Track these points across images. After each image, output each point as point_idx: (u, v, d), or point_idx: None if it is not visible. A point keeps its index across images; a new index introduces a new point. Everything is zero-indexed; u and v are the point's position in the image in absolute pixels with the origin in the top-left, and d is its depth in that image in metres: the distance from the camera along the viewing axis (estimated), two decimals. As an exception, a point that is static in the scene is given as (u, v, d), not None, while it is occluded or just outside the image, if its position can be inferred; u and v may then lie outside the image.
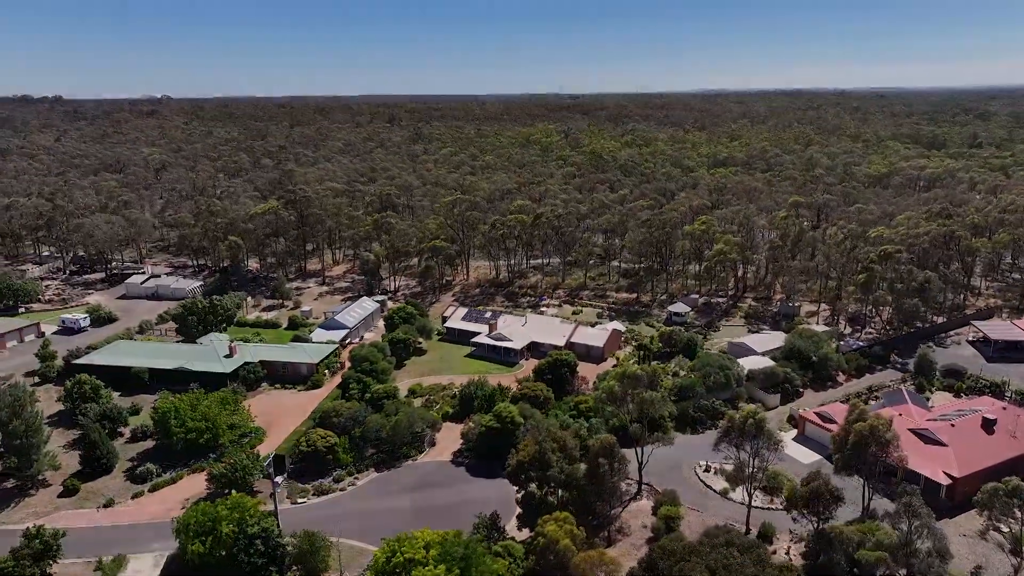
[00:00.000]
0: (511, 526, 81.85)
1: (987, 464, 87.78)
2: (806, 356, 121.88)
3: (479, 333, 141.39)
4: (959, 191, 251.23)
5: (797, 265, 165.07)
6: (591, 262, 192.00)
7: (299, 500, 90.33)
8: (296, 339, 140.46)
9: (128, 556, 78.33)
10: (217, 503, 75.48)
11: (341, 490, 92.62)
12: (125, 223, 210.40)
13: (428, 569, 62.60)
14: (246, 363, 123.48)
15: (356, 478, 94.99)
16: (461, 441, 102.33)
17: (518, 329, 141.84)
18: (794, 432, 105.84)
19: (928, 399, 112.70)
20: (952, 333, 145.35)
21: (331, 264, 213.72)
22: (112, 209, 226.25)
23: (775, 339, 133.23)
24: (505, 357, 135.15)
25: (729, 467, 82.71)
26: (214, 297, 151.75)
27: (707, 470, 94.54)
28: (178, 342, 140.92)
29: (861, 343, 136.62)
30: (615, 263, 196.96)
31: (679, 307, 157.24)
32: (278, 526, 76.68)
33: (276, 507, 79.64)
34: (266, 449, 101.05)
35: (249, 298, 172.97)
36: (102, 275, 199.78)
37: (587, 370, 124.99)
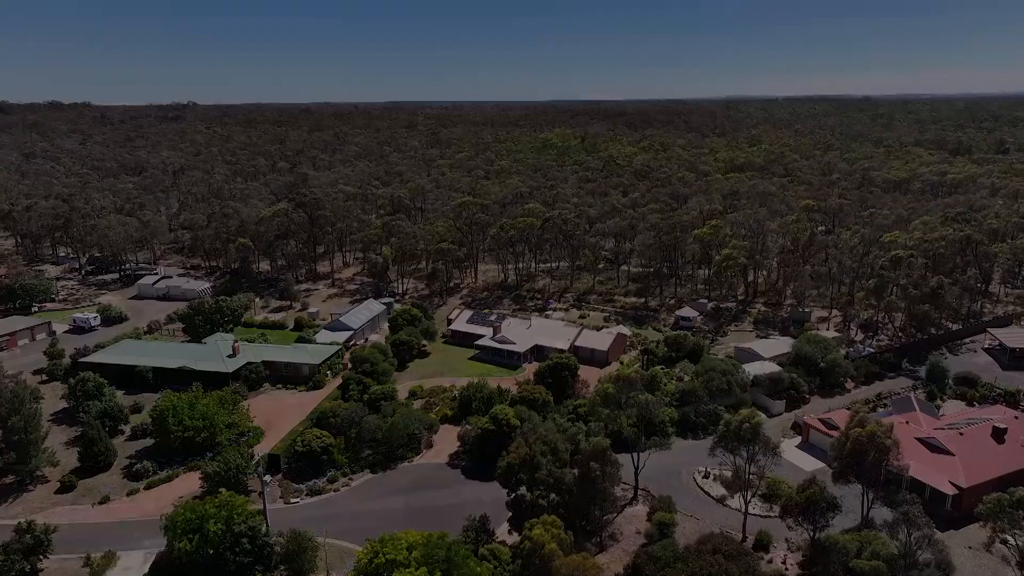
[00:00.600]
0: (504, 529, 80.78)
1: (996, 474, 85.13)
2: (813, 362, 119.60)
3: (483, 336, 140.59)
4: (979, 196, 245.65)
5: (808, 270, 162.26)
6: (600, 266, 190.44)
7: (292, 500, 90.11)
8: (300, 340, 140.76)
9: (118, 553, 78.49)
10: (205, 501, 75.24)
11: (335, 490, 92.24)
12: (139, 225, 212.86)
13: (410, 571, 61.53)
14: (248, 363, 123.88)
15: (350, 479, 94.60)
16: (458, 443, 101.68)
17: (522, 332, 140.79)
18: (798, 439, 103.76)
19: (939, 407, 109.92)
20: (968, 340, 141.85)
21: (341, 266, 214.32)
22: (127, 211, 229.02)
23: (782, 345, 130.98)
24: (508, 360, 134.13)
25: (728, 473, 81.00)
26: (221, 298, 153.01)
27: (706, 476, 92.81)
28: (185, 342, 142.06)
29: (871, 349, 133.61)
30: (624, 267, 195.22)
31: (687, 312, 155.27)
32: (266, 525, 76.40)
33: (265, 506, 79.29)
34: (263, 448, 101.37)
35: (257, 299, 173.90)
36: (116, 276, 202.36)
37: (592, 374, 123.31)
